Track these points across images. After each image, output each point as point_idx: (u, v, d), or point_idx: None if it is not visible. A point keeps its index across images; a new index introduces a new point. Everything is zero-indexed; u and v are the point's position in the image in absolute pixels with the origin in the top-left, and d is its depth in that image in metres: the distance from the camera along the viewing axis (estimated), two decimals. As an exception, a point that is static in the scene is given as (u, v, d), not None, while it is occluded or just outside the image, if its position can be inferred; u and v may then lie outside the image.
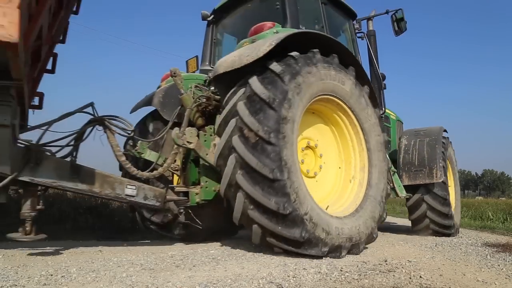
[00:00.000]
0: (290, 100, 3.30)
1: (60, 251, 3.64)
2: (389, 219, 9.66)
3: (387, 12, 5.46)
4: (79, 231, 5.22)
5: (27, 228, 3.16)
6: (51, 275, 2.54)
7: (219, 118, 3.61)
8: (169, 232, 4.42)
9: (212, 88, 4.22)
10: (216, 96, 4.07)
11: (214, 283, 2.34)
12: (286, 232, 3.11)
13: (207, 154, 3.68)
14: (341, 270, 2.81)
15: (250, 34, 3.91)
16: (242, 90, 3.45)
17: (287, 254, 3.42)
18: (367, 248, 3.92)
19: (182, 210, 4.10)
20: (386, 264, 3.12)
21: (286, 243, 3.20)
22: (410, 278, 2.65)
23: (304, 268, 2.82)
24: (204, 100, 4.00)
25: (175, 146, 3.77)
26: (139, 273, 2.62)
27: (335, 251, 3.35)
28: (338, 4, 4.99)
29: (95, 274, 2.59)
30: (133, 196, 3.59)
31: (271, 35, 3.65)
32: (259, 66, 3.40)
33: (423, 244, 4.51)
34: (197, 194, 3.84)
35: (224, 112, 3.52)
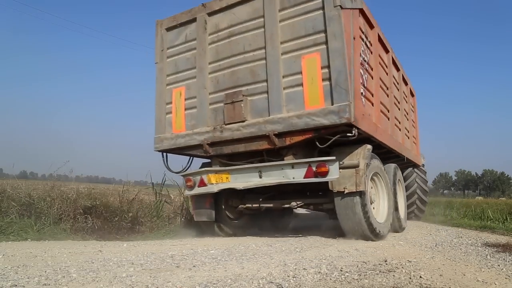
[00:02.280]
0: None
1: (60, 251, 3.64)
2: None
3: None
4: (79, 231, 5.22)
5: None
6: (51, 275, 2.54)
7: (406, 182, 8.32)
8: None
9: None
10: None
11: (214, 283, 2.34)
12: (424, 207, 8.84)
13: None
14: (341, 270, 2.81)
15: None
16: (415, 174, 8.54)
17: (287, 254, 3.44)
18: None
19: None
20: (386, 264, 3.12)
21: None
22: (410, 278, 2.65)
23: (304, 268, 2.82)
24: None
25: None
26: (139, 273, 2.62)
27: None
28: None
29: (95, 274, 2.59)
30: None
31: (422, 157, 9.12)
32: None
33: (423, 244, 4.51)
34: None
35: (408, 180, 8.35)
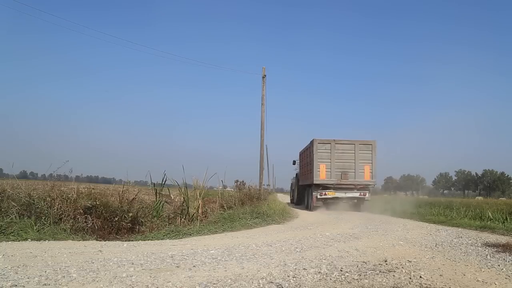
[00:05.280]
0: None
1: (60, 251, 3.64)
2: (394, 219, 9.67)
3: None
4: (79, 231, 5.22)
5: None
6: (51, 275, 2.55)
7: None
8: None
9: None
10: None
11: (214, 283, 2.34)
12: None
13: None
14: (341, 270, 2.82)
15: None
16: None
17: (287, 254, 3.44)
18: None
19: None
20: (386, 264, 3.12)
21: None
22: (410, 278, 2.65)
23: (304, 268, 2.82)
24: None
25: None
26: (139, 273, 2.63)
27: None
28: None
29: (95, 274, 2.60)
30: None
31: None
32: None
33: (423, 244, 4.51)
34: None
35: None
